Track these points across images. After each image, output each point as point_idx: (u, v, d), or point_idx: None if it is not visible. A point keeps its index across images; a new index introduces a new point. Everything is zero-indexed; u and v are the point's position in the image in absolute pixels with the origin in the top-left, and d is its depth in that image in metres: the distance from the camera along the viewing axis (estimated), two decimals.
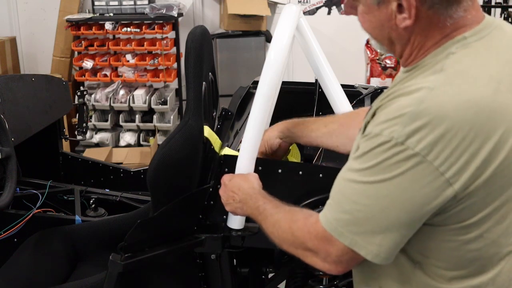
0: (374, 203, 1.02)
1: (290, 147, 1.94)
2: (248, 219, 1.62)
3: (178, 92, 4.82)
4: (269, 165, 1.61)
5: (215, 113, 2.02)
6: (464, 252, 1.07)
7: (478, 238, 1.05)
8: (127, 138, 4.63)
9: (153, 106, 4.57)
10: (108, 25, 4.51)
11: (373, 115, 1.06)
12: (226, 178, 1.45)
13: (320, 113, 2.05)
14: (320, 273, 1.62)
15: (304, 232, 1.14)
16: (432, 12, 1.02)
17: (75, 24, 4.51)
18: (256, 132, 1.54)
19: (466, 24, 1.04)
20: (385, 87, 2.20)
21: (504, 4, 4.47)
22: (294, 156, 1.93)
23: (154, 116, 4.60)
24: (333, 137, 1.61)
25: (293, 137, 1.67)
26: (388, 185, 1.00)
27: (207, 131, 1.65)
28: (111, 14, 4.56)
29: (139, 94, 4.53)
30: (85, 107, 2.86)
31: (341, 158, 1.85)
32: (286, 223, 1.21)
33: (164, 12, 4.44)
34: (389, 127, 0.99)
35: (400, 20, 1.04)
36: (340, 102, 1.82)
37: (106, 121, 4.64)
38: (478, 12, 1.07)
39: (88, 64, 4.54)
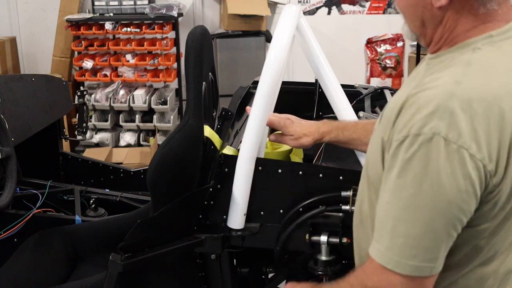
0: (428, 212, 0.97)
1: None
2: (248, 219, 1.62)
3: (178, 92, 4.82)
4: (269, 165, 1.61)
5: (215, 113, 2.02)
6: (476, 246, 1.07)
7: (492, 235, 1.05)
8: (127, 138, 4.63)
9: (153, 106, 4.57)
10: (108, 25, 4.51)
11: (400, 110, 1.03)
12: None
13: (320, 113, 2.06)
14: (320, 273, 1.62)
15: (362, 276, 1.09)
16: None
17: (75, 24, 4.51)
18: (256, 131, 1.54)
19: (496, 19, 1.05)
20: (385, 87, 2.20)
21: None
22: (297, 155, 1.93)
23: (154, 116, 4.60)
24: None
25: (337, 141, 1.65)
26: (440, 186, 0.96)
27: (208, 131, 1.65)
28: (111, 14, 4.56)
29: (139, 94, 4.53)
30: (85, 107, 2.86)
31: (341, 158, 1.86)
32: (345, 282, 1.16)
33: (164, 12, 4.44)
34: (426, 124, 0.96)
35: None
36: (340, 102, 1.82)
37: (106, 121, 4.64)
38: (510, 10, 1.07)
39: (88, 64, 4.54)
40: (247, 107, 1.74)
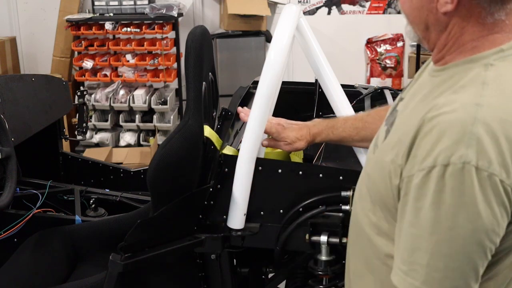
0: (467, 244, 0.94)
1: None
2: (248, 219, 1.62)
3: (178, 92, 4.82)
4: (269, 165, 1.61)
5: (215, 113, 2.02)
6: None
7: None
8: (127, 138, 4.63)
9: (153, 106, 4.57)
10: (108, 25, 4.51)
11: (416, 135, 0.99)
12: None
13: (320, 113, 2.05)
14: (320, 273, 1.62)
15: None
16: (475, 3, 1.01)
17: (75, 24, 4.51)
18: (256, 132, 1.54)
19: (503, 30, 1.03)
20: (385, 87, 2.20)
21: None
22: (297, 155, 1.93)
23: (154, 116, 4.60)
24: (365, 143, 1.62)
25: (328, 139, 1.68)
26: (476, 216, 0.93)
27: (208, 131, 1.65)
28: (111, 14, 4.56)
29: (139, 94, 4.53)
30: (85, 107, 2.86)
31: (341, 158, 1.86)
32: None
33: (164, 12, 4.44)
34: (454, 152, 0.93)
35: (442, 4, 1.02)
36: (340, 102, 1.82)
37: (106, 121, 4.64)
38: None
39: (88, 64, 4.54)
40: (239, 108, 1.75)
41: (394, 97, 2.07)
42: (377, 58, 5.12)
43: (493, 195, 0.93)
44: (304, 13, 4.97)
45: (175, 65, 4.66)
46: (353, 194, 1.54)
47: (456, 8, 1.02)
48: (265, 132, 1.66)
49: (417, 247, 0.99)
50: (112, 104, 4.55)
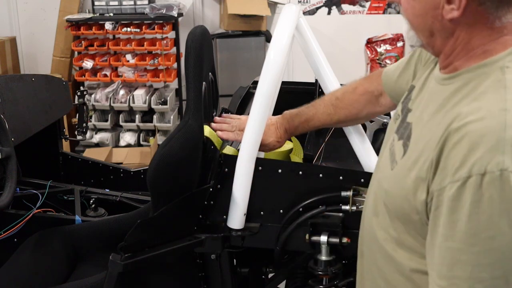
0: (510, 251, 0.92)
1: (293, 145, 1.94)
2: (248, 219, 1.62)
3: (178, 92, 4.82)
4: (269, 165, 1.61)
5: (215, 113, 2.02)
6: None
7: None
8: (127, 138, 4.63)
9: (153, 106, 4.57)
10: (108, 25, 4.51)
11: (442, 147, 0.97)
12: None
13: None
14: (320, 273, 1.62)
15: None
16: (482, 9, 0.98)
17: (75, 24, 4.51)
18: (256, 132, 1.54)
19: None
20: None
21: None
22: (297, 155, 1.93)
23: (154, 116, 4.60)
24: (341, 124, 1.70)
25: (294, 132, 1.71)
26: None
27: (208, 131, 1.65)
28: (111, 14, 4.56)
29: (139, 94, 4.54)
30: (85, 107, 2.86)
31: (341, 158, 1.86)
32: None
33: (164, 12, 4.44)
34: (490, 161, 0.90)
35: (447, 11, 1.00)
36: None
37: (106, 121, 4.64)
38: None
39: (88, 64, 4.54)
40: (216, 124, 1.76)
41: None
42: (377, 58, 5.12)
43: None
44: (304, 13, 4.97)
45: (175, 65, 4.66)
46: (353, 194, 1.54)
47: (462, 14, 0.99)
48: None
49: (457, 260, 0.96)
50: (112, 104, 4.55)
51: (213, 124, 1.73)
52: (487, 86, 0.98)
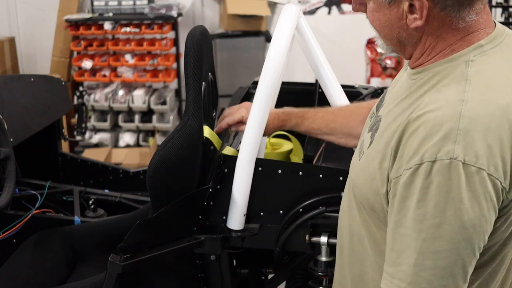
0: (455, 240, 0.93)
1: (293, 146, 1.94)
2: (247, 220, 1.62)
3: (177, 92, 4.82)
4: (269, 165, 1.60)
5: (215, 113, 2.01)
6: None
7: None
8: (126, 138, 4.63)
9: (152, 107, 4.56)
10: (107, 25, 4.50)
11: (401, 135, 0.99)
12: None
13: None
14: (320, 273, 1.62)
15: None
16: (444, 14, 1.00)
17: (74, 24, 4.50)
18: (256, 132, 1.53)
19: (479, 28, 1.02)
20: (386, 87, 2.20)
21: (505, 4, 4.46)
22: (297, 155, 1.92)
23: (154, 117, 4.60)
24: (333, 136, 1.61)
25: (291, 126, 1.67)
26: (464, 212, 0.92)
27: (208, 131, 1.64)
28: (110, 14, 4.55)
29: (139, 95, 4.53)
30: (84, 108, 2.86)
31: (341, 158, 1.85)
32: None
33: (163, 12, 4.44)
34: (441, 149, 0.92)
35: (411, 21, 1.02)
36: (340, 102, 1.82)
37: (105, 121, 4.63)
38: (489, 16, 1.05)
39: (87, 64, 4.54)
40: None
41: None
42: (377, 58, 5.12)
43: (481, 191, 0.92)
44: (304, 13, 4.96)
45: (174, 65, 4.65)
46: None
47: (426, 22, 1.01)
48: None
49: (405, 247, 0.97)
50: (111, 105, 4.55)
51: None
52: (450, 79, 1.01)
